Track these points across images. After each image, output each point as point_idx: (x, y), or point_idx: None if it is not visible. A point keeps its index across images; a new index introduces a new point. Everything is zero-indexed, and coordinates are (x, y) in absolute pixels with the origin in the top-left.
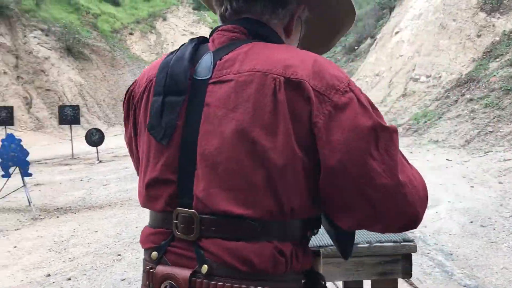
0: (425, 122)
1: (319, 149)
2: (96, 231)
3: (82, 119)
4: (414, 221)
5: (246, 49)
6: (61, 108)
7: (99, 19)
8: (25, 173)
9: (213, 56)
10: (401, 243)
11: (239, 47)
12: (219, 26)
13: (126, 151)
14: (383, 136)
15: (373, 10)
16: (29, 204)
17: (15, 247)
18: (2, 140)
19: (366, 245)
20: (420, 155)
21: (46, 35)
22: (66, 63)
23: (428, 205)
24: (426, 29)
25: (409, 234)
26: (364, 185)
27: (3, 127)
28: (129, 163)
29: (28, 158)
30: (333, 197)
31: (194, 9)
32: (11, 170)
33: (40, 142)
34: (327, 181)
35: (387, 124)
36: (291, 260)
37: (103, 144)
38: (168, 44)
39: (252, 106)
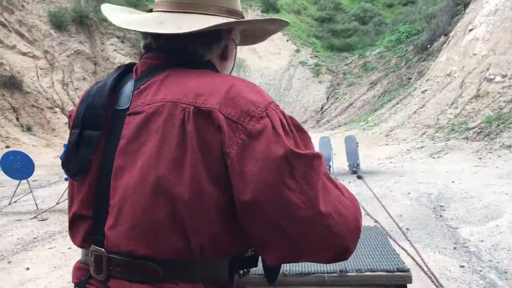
0: (498, 125)
1: (232, 182)
2: None
3: None
4: (342, 253)
5: (162, 77)
6: None
7: None
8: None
9: (134, 84)
10: (395, 273)
11: (157, 75)
12: (144, 54)
13: None
14: (299, 164)
15: (447, 6)
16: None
17: (69, 248)
18: (65, 145)
19: (355, 273)
20: (490, 161)
21: (122, 42)
22: None
23: (489, 217)
24: (503, 26)
25: (462, 247)
26: (282, 220)
27: None
28: None
29: None
30: (252, 233)
31: (262, 12)
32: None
33: None
34: (244, 217)
35: (308, 151)
36: None
37: None
38: (237, 48)
39: (159, 139)
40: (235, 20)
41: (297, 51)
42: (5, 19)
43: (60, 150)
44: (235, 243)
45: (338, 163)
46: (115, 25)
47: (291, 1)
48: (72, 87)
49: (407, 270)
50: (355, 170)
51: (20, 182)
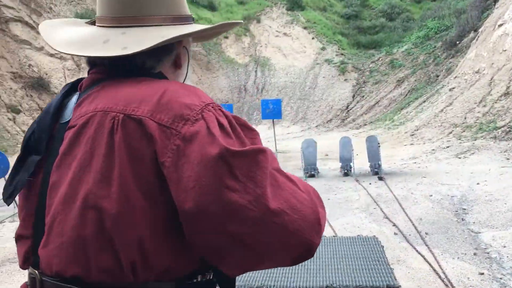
0: None
1: (172, 193)
2: None
3: None
4: (306, 250)
5: (99, 87)
6: None
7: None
8: None
9: (77, 98)
10: None
11: (96, 86)
12: (89, 69)
13: None
14: (239, 162)
15: (477, 0)
16: None
17: None
18: None
19: None
20: None
21: None
22: None
23: None
24: None
25: (483, 253)
26: (230, 224)
27: None
28: None
29: None
30: (202, 243)
31: (287, 9)
32: None
33: None
34: (189, 228)
35: (248, 147)
36: None
37: None
38: (261, 46)
39: (88, 150)
40: (184, 34)
41: (323, 48)
42: (34, 21)
43: None
44: (178, 263)
45: (361, 163)
46: None
47: None
48: None
49: (398, 286)
50: (376, 171)
51: None
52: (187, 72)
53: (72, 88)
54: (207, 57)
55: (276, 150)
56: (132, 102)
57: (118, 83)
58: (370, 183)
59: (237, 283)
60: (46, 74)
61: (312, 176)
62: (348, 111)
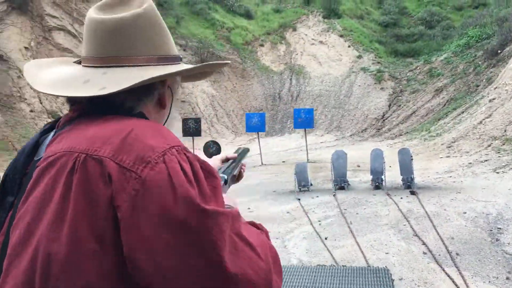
0: None
1: (123, 237)
2: None
3: (211, 129)
4: None
5: (70, 127)
6: (185, 121)
7: (232, 32)
8: None
9: (53, 135)
10: None
11: (68, 126)
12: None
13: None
14: (199, 222)
15: None
16: None
17: None
18: None
19: None
20: None
21: (184, 50)
22: None
23: None
24: None
25: None
26: (185, 282)
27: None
28: None
29: None
30: None
31: (324, 17)
32: None
33: None
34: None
35: (212, 207)
36: None
37: (228, 153)
38: (297, 54)
39: (47, 191)
40: (162, 74)
41: (359, 57)
42: (76, 30)
43: None
44: None
45: (393, 176)
46: (177, 33)
47: (354, 6)
48: None
49: None
50: (409, 184)
51: None
52: (170, 112)
53: (50, 127)
54: (243, 65)
55: (307, 159)
56: (96, 142)
57: (89, 121)
58: (401, 198)
59: None
60: None
61: (342, 188)
62: (383, 120)
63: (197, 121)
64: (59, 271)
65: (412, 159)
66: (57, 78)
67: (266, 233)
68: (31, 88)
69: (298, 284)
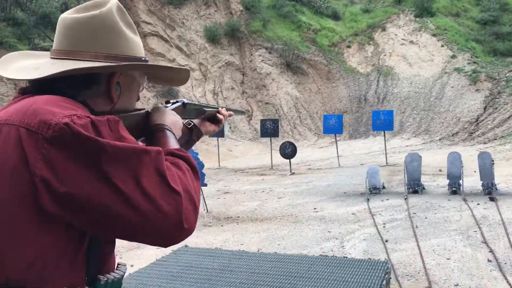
0: None
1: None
2: (242, 244)
3: (294, 131)
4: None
5: (10, 103)
6: (263, 122)
7: (318, 34)
8: (201, 183)
9: None
10: None
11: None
12: None
13: (322, 164)
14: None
15: None
16: (207, 211)
17: (172, 250)
18: None
19: None
20: None
21: (269, 52)
22: (285, 78)
23: None
24: None
25: None
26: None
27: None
28: (315, 176)
29: (234, 166)
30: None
31: (415, 16)
32: None
33: (253, 151)
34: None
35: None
36: None
37: (307, 155)
38: (385, 55)
39: None
40: (85, 67)
41: (453, 57)
42: (168, 35)
43: (206, 155)
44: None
45: (475, 181)
46: (263, 36)
47: (449, 3)
48: (222, 96)
49: None
50: (489, 190)
51: None
52: (123, 107)
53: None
54: (328, 67)
55: (386, 163)
56: (13, 113)
57: (13, 103)
58: (478, 204)
59: None
60: None
61: (416, 192)
62: (477, 123)
63: (275, 122)
64: None
65: (493, 164)
66: (23, 65)
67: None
68: None
69: (292, 270)
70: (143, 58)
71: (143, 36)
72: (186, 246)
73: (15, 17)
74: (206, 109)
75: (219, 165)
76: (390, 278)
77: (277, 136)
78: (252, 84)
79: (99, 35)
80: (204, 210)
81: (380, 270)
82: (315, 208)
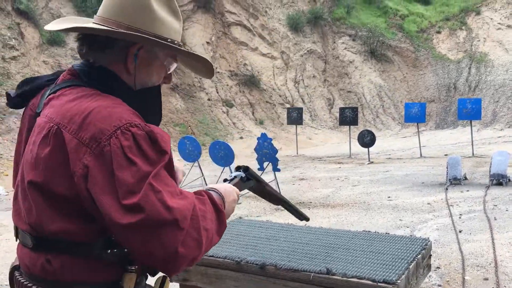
0: None
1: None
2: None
3: (376, 120)
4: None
5: (59, 93)
6: (342, 110)
7: (406, 20)
8: (274, 168)
9: (49, 92)
10: (379, 283)
11: (59, 90)
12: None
13: (403, 153)
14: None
15: None
16: None
17: None
18: (258, 139)
19: (340, 277)
20: None
21: (353, 40)
22: (368, 66)
23: None
24: None
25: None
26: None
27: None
28: (394, 166)
29: (312, 154)
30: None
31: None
32: (264, 164)
33: (332, 140)
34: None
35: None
36: (61, 271)
37: (389, 144)
38: (479, 41)
39: (32, 144)
40: (86, 26)
41: None
42: (251, 24)
43: (286, 143)
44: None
45: None
46: (347, 24)
47: None
48: (303, 84)
49: (393, 283)
50: None
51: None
52: (134, 77)
53: (53, 79)
54: (415, 54)
55: (472, 154)
56: (65, 117)
57: (71, 92)
58: None
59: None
60: (258, 72)
61: (500, 184)
62: None
63: (354, 110)
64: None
65: None
66: (67, 24)
67: (207, 198)
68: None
69: (333, 242)
70: (168, 40)
71: (227, 26)
72: (240, 218)
73: None
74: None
75: (297, 153)
76: (431, 255)
77: (356, 124)
78: (334, 72)
79: (127, 8)
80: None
81: (418, 246)
82: (389, 197)
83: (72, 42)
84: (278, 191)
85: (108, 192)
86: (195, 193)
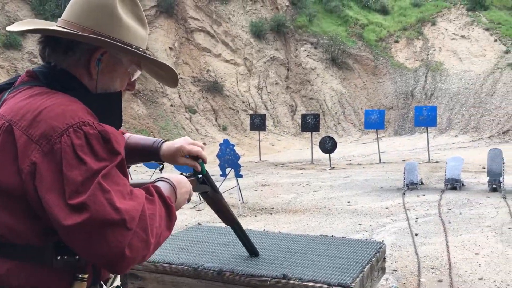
0: None
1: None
2: None
3: (338, 126)
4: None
5: (14, 93)
6: (304, 116)
7: (366, 29)
8: (237, 174)
9: (7, 94)
10: (334, 287)
11: (14, 91)
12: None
13: (363, 159)
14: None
15: None
16: (242, 202)
17: None
18: (220, 145)
19: (297, 281)
20: None
21: (315, 47)
22: (330, 73)
23: None
24: None
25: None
26: None
27: (257, 131)
28: (354, 171)
29: (275, 160)
30: None
31: (468, 10)
32: (227, 171)
33: (295, 146)
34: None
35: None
36: (7, 277)
37: (349, 150)
38: (435, 50)
39: None
40: (48, 28)
41: (507, 51)
42: (214, 31)
43: (249, 149)
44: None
45: None
46: (309, 32)
47: None
48: (266, 91)
49: (348, 286)
50: None
51: None
52: (96, 82)
53: (11, 83)
54: (375, 62)
55: (429, 159)
56: (17, 114)
57: (25, 92)
58: None
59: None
60: (221, 78)
61: (454, 188)
62: None
63: (316, 116)
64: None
65: None
66: (31, 25)
67: (156, 196)
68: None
69: (290, 247)
70: (134, 47)
71: (190, 31)
72: (199, 224)
73: None
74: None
75: (260, 159)
76: (385, 258)
77: (318, 130)
78: (296, 79)
79: (93, 12)
80: (240, 201)
81: (373, 249)
82: (349, 202)
83: (29, 46)
84: (241, 198)
85: (54, 190)
86: (145, 189)
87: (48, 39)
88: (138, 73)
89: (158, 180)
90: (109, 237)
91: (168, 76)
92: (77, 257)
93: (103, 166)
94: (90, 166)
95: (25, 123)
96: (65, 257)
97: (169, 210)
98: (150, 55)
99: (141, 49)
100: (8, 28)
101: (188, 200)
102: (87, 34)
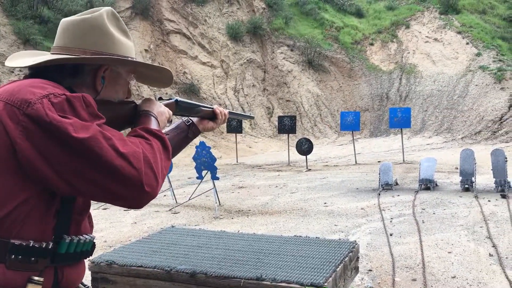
0: None
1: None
2: None
3: (314, 128)
4: None
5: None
6: (280, 118)
7: (341, 32)
8: (213, 176)
9: None
10: (307, 287)
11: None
12: None
13: (339, 161)
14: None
15: None
16: (219, 204)
17: None
18: (196, 147)
19: (270, 282)
20: None
21: (291, 50)
22: (306, 76)
23: None
24: None
25: None
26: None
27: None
28: (330, 173)
29: (252, 162)
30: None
31: (440, 13)
32: (203, 173)
33: (272, 148)
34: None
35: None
36: None
37: (326, 152)
38: (409, 53)
39: None
40: (61, 58)
41: (478, 54)
42: (190, 33)
43: (226, 152)
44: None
45: (489, 179)
46: (285, 34)
47: (475, 0)
48: (243, 93)
49: (321, 286)
50: (502, 188)
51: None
52: (112, 98)
53: None
54: (350, 64)
55: (403, 160)
56: (4, 92)
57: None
58: (489, 201)
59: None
60: (198, 80)
61: (428, 189)
62: (501, 122)
63: (293, 118)
64: None
65: (506, 161)
66: (27, 59)
67: (149, 136)
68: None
69: (264, 248)
70: (129, 58)
71: (166, 34)
72: (172, 226)
73: (41, 15)
74: (202, 108)
75: (237, 161)
76: (358, 257)
77: (295, 132)
78: (273, 82)
79: (88, 35)
80: (216, 203)
81: (346, 249)
82: (325, 203)
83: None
84: (218, 200)
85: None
86: (134, 133)
87: (53, 66)
88: (134, 81)
89: (141, 114)
90: (125, 178)
91: (164, 77)
92: (33, 258)
93: (92, 121)
94: (76, 120)
95: (7, 95)
96: (19, 257)
97: (163, 142)
98: (146, 62)
99: (134, 59)
100: (8, 64)
101: (169, 121)
102: (92, 56)
